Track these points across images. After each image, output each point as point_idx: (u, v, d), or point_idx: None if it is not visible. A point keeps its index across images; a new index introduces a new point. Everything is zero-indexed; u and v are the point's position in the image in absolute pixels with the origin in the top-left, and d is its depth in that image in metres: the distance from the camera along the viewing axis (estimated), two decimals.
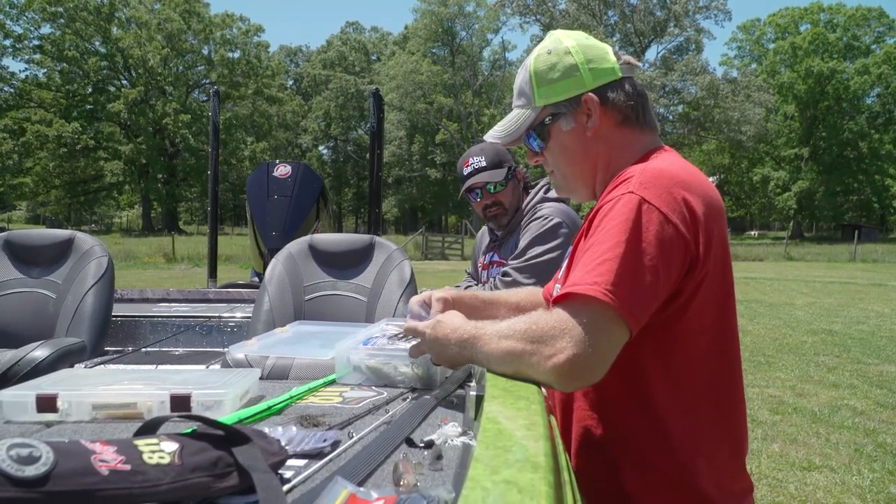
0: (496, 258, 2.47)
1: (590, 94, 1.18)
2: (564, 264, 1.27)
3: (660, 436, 1.11)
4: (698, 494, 1.11)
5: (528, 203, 2.43)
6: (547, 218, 2.31)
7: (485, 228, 2.66)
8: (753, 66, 49.99)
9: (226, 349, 1.70)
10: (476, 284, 2.56)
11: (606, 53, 1.22)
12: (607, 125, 1.21)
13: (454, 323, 1.12)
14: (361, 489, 0.69)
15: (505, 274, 2.28)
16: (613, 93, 1.20)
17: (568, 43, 1.21)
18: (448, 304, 1.31)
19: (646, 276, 0.98)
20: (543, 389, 1.12)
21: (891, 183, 46.74)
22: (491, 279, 2.38)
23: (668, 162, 1.14)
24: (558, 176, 1.30)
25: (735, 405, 1.19)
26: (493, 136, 1.30)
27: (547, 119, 1.22)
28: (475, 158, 2.39)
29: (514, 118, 1.27)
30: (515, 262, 2.29)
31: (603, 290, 0.94)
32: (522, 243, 2.30)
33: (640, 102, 1.22)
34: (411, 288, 2.47)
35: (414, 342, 1.19)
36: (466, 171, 2.40)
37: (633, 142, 1.22)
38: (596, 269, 0.97)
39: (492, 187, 2.37)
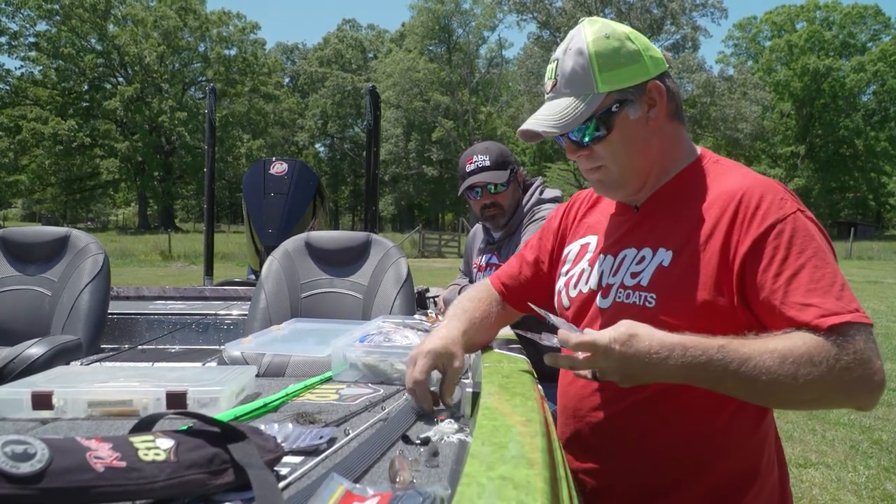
0: (494, 260, 2.45)
1: (655, 81, 1.14)
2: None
3: (730, 429, 1.16)
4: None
5: (526, 204, 2.42)
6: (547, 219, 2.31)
7: (478, 226, 2.63)
8: (750, 63, 50.01)
9: (222, 347, 1.70)
10: (470, 283, 2.54)
11: (652, 43, 1.19)
12: (663, 116, 1.16)
13: (662, 338, 0.99)
14: (357, 486, 0.70)
15: None
16: (669, 82, 1.17)
17: (624, 29, 1.15)
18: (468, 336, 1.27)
19: None
20: (540, 388, 1.12)
21: (887, 180, 46.86)
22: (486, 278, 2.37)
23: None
24: (613, 170, 1.18)
25: None
26: (547, 126, 1.13)
27: (614, 107, 1.12)
28: (479, 157, 2.36)
29: (571, 106, 1.12)
30: None
31: (863, 313, 0.99)
32: (521, 244, 2.30)
33: (679, 95, 1.20)
34: (408, 285, 2.47)
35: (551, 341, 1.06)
36: (469, 168, 2.38)
37: (681, 136, 1.21)
38: (844, 296, 1.00)
39: (493, 188, 2.35)
